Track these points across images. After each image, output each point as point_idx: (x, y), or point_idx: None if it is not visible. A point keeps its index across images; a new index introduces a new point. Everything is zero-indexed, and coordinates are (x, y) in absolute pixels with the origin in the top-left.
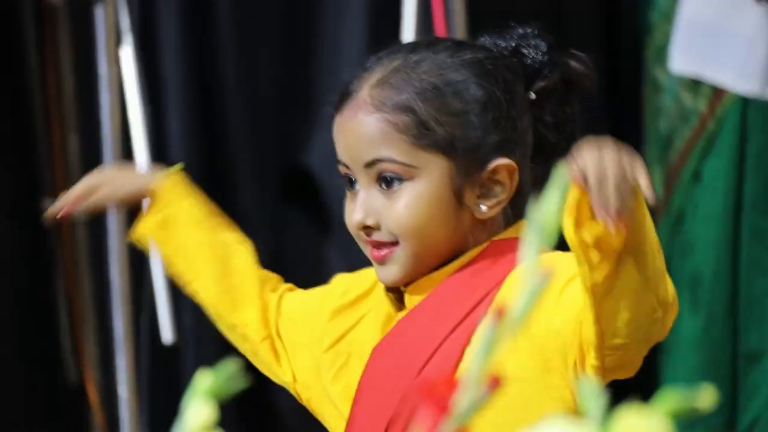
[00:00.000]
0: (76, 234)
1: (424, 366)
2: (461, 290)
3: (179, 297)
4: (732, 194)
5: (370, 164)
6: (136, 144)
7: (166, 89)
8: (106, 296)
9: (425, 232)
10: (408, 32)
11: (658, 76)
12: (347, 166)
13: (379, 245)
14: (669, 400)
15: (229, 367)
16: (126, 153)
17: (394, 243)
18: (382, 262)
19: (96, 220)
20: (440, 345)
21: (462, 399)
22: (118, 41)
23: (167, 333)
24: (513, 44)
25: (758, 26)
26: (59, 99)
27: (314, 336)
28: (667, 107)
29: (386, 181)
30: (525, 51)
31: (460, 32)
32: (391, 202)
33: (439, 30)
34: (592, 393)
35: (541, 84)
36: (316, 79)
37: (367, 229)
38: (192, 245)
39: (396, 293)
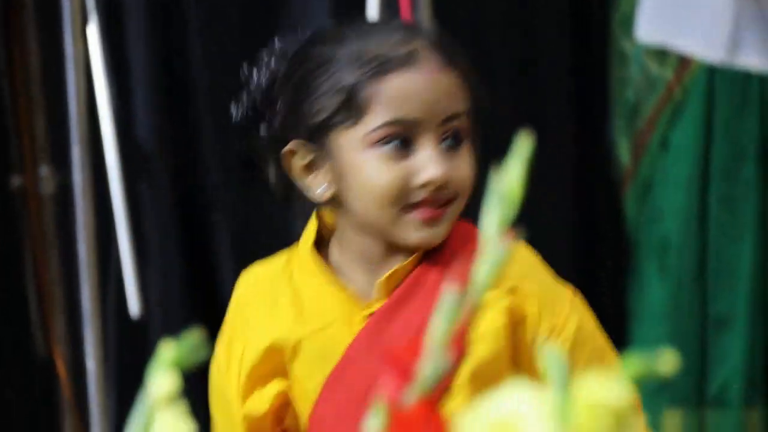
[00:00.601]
0: (44, 209)
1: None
2: (442, 273)
3: (146, 270)
4: (699, 161)
5: (449, 119)
6: (103, 122)
7: (132, 67)
8: (74, 271)
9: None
10: (372, 8)
11: (624, 46)
12: (412, 125)
13: (441, 203)
14: (631, 364)
15: (192, 337)
16: (93, 131)
17: (451, 202)
18: (437, 221)
19: (63, 195)
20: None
21: (425, 367)
22: (84, 20)
23: (134, 306)
24: None
25: None
26: (26, 78)
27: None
28: (633, 77)
29: (453, 138)
30: None
31: (425, 8)
32: (456, 158)
33: (405, 12)
34: (555, 358)
35: None
36: None
37: (439, 188)
38: None
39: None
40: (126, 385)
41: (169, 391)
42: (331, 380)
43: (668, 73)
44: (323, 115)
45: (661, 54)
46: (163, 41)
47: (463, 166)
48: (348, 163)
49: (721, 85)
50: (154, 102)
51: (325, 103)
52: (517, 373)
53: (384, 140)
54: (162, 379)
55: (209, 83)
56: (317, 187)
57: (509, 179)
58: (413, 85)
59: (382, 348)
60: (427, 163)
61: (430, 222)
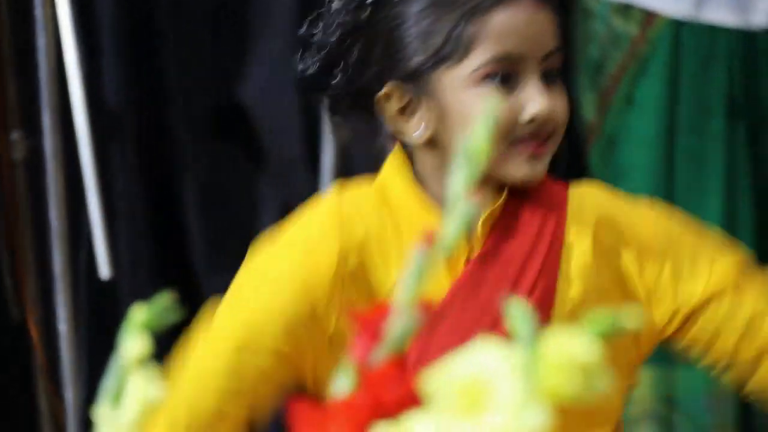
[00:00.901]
0: (16, 174)
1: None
2: (530, 219)
3: (116, 233)
4: (666, 117)
5: (549, 54)
6: (72, 86)
7: (100, 30)
8: (45, 234)
9: None
10: None
11: (588, 1)
12: (516, 61)
13: (543, 139)
14: (598, 319)
15: (163, 300)
16: (63, 95)
17: (550, 138)
18: (540, 157)
19: (34, 160)
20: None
21: (393, 326)
22: None
23: (104, 268)
24: None
25: None
26: None
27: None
28: (598, 33)
29: (549, 76)
30: None
31: None
32: (554, 94)
33: None
34: (522, 314)
35: None
36: (250, 12)
37: (543, 123)
38: None
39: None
40: (98, 348)
41: (141, 353)
42: (422, 333)
43: (633, 29)
44: (422, 56)
45: (626, 9)
46: (132, 4)
47: (561, 102)
48: (451, 102)
49: (687, 39)
50: (123, 65)
51: (424, 44)
52: (623, 302)
53: (489, 77)
54: (134, 341)
55: (178, 46)
56: (414, 129)
57: (476, 138)
58: (517, 21)
59: (477, 301)
60: (533, 98)
61: (535, 157)
